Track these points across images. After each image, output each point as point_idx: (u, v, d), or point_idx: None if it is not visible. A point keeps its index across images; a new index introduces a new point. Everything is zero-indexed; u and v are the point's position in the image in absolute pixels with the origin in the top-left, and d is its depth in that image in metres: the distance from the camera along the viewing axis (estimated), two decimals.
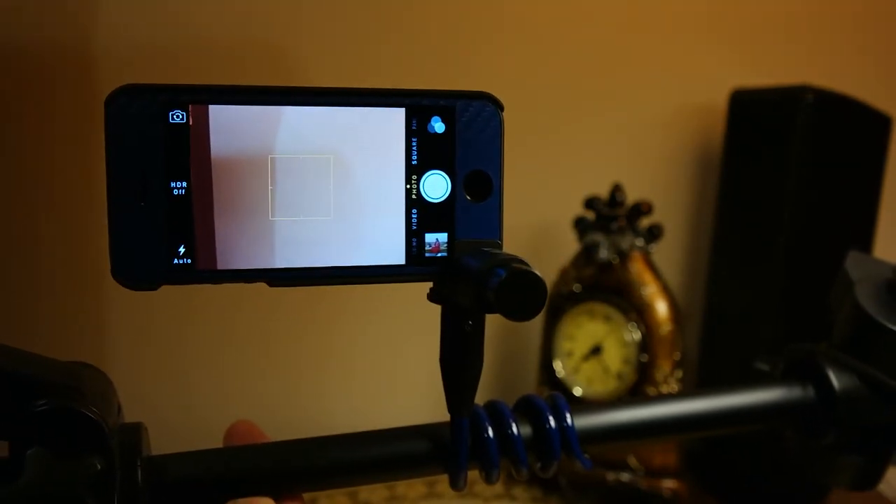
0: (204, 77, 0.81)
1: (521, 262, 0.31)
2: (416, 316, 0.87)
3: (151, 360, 0.84)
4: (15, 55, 0.75)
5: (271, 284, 0.33)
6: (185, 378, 0.85)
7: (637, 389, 0.82)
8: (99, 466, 0.31)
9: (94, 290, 0.81)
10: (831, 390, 0.42)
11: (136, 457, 0.33)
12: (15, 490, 0.30)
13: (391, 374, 0.92)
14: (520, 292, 0.30)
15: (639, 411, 0.40)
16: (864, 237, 0.87)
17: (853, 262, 0.47)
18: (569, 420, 0.38)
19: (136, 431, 0.34)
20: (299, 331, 0.88)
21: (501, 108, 0.35)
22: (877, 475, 0.43)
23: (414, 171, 0.34)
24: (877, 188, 0.86)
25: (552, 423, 0.38)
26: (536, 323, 0.89)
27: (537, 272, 0.30)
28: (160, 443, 0.36)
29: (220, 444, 0.38)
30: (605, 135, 0.94)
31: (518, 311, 0.30)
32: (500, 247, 0.35)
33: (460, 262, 0.34)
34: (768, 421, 0.43)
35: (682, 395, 0.42)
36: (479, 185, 0.35)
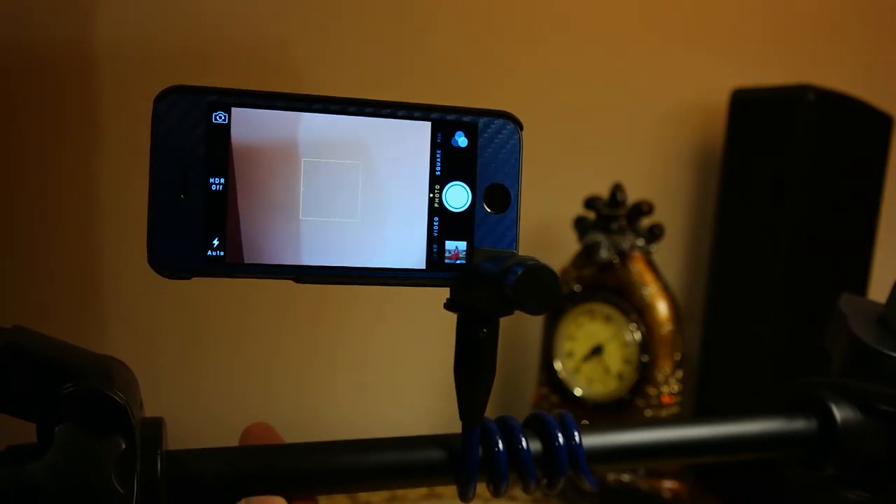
0: (206, 75, 0.80)
1: (535, 259, 0.32)
2: (425, 320, 0.87)
3: (163, 357, 0.84)
4: (18, 54, 0.75)
5: (298, 281, 0.34)
6: (196, 377, 0.85)
7: (637, 389, 0.82)
8: (124, 446, 0.32)
9: (102, 286, 0.81)
10: (833, 421, 0.42)
11: (157, 449, 0.33)
12: (44, 463, 0.31)
13: (399, 375, 0.92)
14: (535, 285, 0.31)
15: (645, 434, 0.41)
16: (865, 237, 0.87)
17: (846, 303, 0.47)
18: (577, 438, 0.38)
19: (157, 425, 0.35)
20: (310, 331, 0.88)
21: (521, 126, 0.37)
22: None
23: (437, 182, 0.36)
24: (878, 187, 0.86)
25: (561, 440, 0.38)
26: (537, 323, 0.89)
27: (551, 267, 0.32)
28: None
29: (232, 443, 0.38)
30: (606, 135, 0.94)
31: (534, 304, 0.31)
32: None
33: (478, 267, 0.35)
34: (770, 451, 0.43)
35: (688, 421, 0.42)
36: (499, 198, 0.36)
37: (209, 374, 0.85)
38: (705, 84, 0.94)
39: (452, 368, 0.36)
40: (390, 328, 0.90)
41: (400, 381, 0.92)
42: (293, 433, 0.38)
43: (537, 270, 0.31)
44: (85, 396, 0.31)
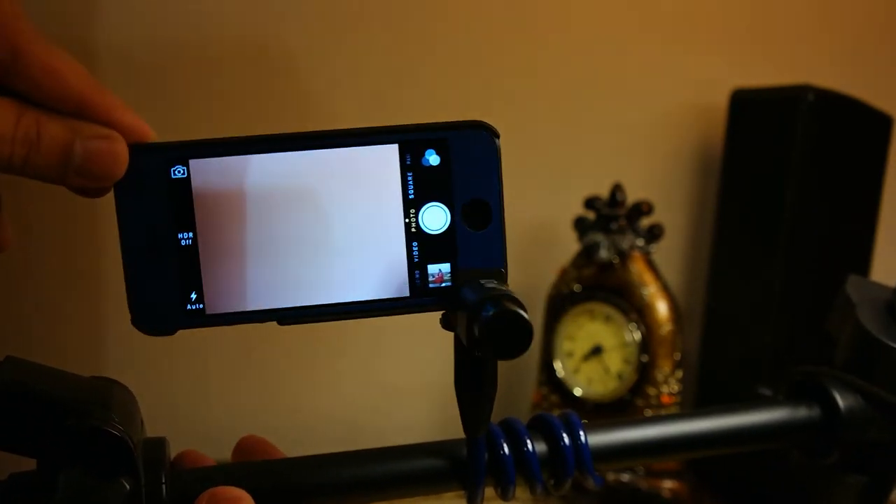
0: (203, 75, 0.80)
1: (512, 298, 0.31)
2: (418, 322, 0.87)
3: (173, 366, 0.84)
4: None
5: (281, 323, 0.34)
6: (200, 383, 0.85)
7: (637, 390, 0.82)
8: (128, 487, 0.32)
9: (101, 299, 0.80)
10: (836, 410, 0.42)
11: (161, 473, 0.33)
12: None
13: (399, 376, 0.92)
14: (503, 333, 0.30)
15: (649, 431, 0.41)
16: (864, 237, 0.87)
17: (853, 286, 0.47)
18: (582, 438, 0.38)
19: (160, 447, 0.34)
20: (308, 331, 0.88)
21: (497, 135, 0.35)
22: (882, 495, 0.43)
23: (412, 205, 0.34)
24: (877, 188, 0.86)
25: (566, 440, 0.38)
26: (537, 323, 0.89)
27: (524, 313, 0.30)
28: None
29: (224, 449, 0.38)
30: (605, 135, 0.93)
31: (501, 352, 0.30)
32: (504, 275, 0.35)
33: (459, 293, 0.34)
34: (775, 441, 0.43)
35: (691, 415, 0.42)
36: (479, 214, 0.35)
37: (212, 379, 0.85)
38: (705, 84, 0.94)
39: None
40: (394, 330, 0.90)
41: (397, 384, 0.92)
42: (296, 434, 0.38)
43: (503, 317, 0.30)
44: (86, 435, 0.31)
